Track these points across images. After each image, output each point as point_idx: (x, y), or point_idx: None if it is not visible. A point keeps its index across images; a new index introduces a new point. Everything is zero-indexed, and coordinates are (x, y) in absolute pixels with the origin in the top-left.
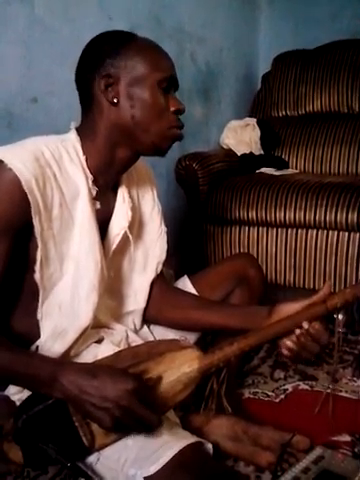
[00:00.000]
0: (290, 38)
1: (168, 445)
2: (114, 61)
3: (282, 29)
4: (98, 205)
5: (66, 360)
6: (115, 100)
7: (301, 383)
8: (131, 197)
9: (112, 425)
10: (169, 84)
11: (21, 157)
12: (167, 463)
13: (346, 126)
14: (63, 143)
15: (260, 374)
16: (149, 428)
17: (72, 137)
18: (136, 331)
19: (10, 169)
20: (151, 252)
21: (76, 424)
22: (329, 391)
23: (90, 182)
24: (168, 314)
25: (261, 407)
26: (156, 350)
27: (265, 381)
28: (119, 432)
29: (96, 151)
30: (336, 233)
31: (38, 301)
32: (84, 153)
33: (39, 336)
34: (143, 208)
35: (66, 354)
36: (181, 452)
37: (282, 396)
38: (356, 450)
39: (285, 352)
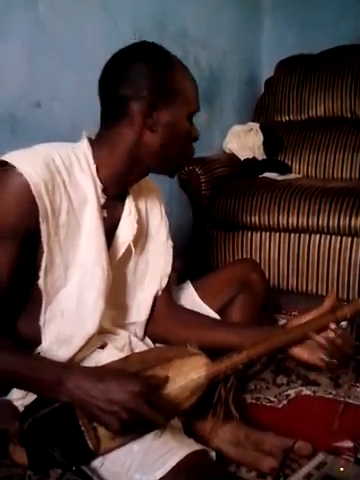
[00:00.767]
0: (293, 43)
1: (173, 451)
2: (160, 87)
3: (285, 34)
4: (105, 213)
5: (72, 364)
6: (153, 128)
7: (304, 389)
8: (139, 209)
9: (119, 428)
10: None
11: (32, 162)
12: (171, 469)
13: (349, 131)
14: (74, 151)
15: (263, 379)
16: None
17: (83, 145)
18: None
19: (20, 174)
20: (155, 265)
21: (82, 428)
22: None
23: (100, 190)
24: (175, 334)
25: (264, 413)
26: (164, 356)
27: (268, 386)
28: (126, 435)
29: (111, 162)
30: (339, 238)
31: (41, 307)
32: (95, 162)
33: (42, 342)
34: (150, 221)
35: (70, 360)
36: (186, 458)
37: (284, 402)
38: (359, 456)
39: (307, 356)
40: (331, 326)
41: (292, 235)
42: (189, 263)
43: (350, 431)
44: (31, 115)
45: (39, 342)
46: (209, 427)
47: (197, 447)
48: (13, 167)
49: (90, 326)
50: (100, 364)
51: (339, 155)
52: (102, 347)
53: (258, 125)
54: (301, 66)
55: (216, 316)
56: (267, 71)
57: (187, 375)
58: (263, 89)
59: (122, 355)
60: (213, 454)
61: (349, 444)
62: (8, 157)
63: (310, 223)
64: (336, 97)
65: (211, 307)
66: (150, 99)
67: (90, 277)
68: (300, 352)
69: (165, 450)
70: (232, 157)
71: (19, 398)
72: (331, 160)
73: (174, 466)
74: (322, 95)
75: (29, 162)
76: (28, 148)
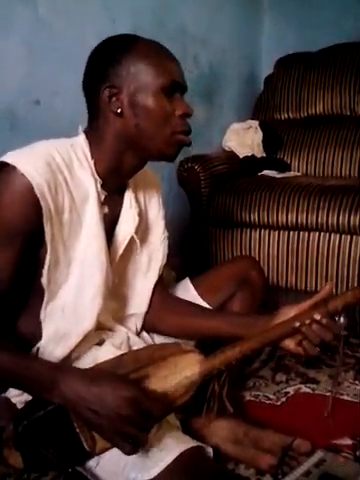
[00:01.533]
0: (293, 41)
1: (168, 448)
2: (116, 70)
3: (285, 32)
4: (106, 209)
5: (67, 365)
6: (119, 110)
7: (302, 386)
8: (138, 201)
9: (110, 433)
10: (174, 88)
11: (33, 163)
12: (167, 466)
13: (348, 129)
14: (72, 147)
15: (261, 377)
16: (146, 438)
17: (81, 141)
18: (137, 333)
19: (23, 175)
20: (154, 256)
21: (77, 430)
22: (330, 394)
23: (99, 186)
24: (166, 321)
25: (262, 410)
26: (158, 354)
27: (266, 384)
28: (116, 444)
29: (103, 157)
30: (338, 236)
31: (42, 303)
32: (92, 157)
33: (41, 338)
34: (149, 212)
35: (67, 356)
36: (181, 456)
37: (283, 399)
38: (357, 453)
39: (293, 346)
40: (315, 317)
41: (291, 233)
42: (188, 260)
43: (349, 429)
44: (31, 112)
45: (37, 339)
46: (204, 423)
47: (193, 444)
48: (15, 168)
49: (88, 322)
50: (97, 361)
51: (338, 153)
52: (99, 344)
53: (257, 123)
54: (300, 64)
55: None
56: (266, 69)
57: (181, 373)
58: (262, 87)
59: (119, 352)
60: (210, 450)
61: (348, 441)
62: (9, 158)
63: (309, 221)
64: (335, 95)
65: (210, 304)
66: (109, 84)
67: (89, 274)
68: (288, 343)
69: (161, 447)
70: (231, 155)
71: (17, 395)
72: (330, 158)
73: (170, 463)
74: (321, 93)
75: (30, 162)
76: (27, 147)
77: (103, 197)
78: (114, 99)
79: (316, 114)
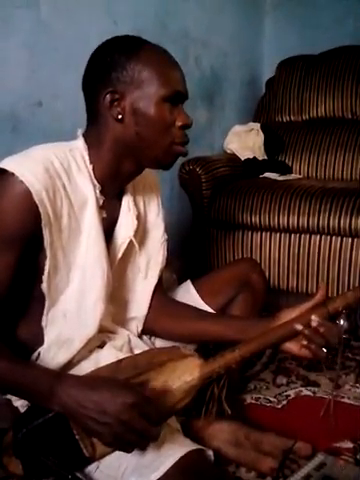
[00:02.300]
0: (294, 43)
1: (169, 452)
2: (120, 75)
3: (287, 34)
4: (104, 214)
5: (65, 372)
6: (120, 116)
7: (303, 389)
8: (137, 204)
9: (111, 440)
10: (176, 98)
11: (32, 169)
12: (168, 471)
13: (350, 132)
14: (71, 152)
15: (262, 380)
16: (148, 442)
17: (80, 145)
18: (139, 336)
19: (21, 182)
20: (154, 259)
21: (77, 437)
22: (331, 397)
23: (97, 191)
24: (164, 324)
25: (263, 413)
26: (157, 359)
27: (267, 387)
28: (118, 448)
29: (102, 161)
30: (339, 239)
31: (43, 309)
32: (91, 162)
33: (42, 344)
34: (148, 215)
35: (69, 361)
36: (182, 459)
37: (284, 402)
38: (358, 457)
39: (296, 349)
40: (313, 318)
41: (292, 235)
42: (189, 263)
43: (350, 432)
44: (32, 114)
45: (38, 344)
46: (204, 426)
47: (193, 447)
48: (13, 174)
49: (90, 327)
50: (99, 364)
51: (340, 155)
52: (101, 346)
53: (259, 125)
54: (302, 66)
55: None
56: (268, 71)
57: (181, 377)
58: (264, 89)
59: (121, 355)
60: (210, 453)
61: (349, 445)
62: (6, 164)
63: (310, 223)
64: (337, 97)
65: (211, 307)
66: (112, 89)
67: (90, 279)
68: (291, 346)
69: (161, 451)
70: (233, 157)
71: (18, 398)
72: (332, 160)
73: (170, 467)
74: (323, 95)
75: (29, 168)
76: (24, 152)
77: (101, 201)
78: (116, 105)
79: (318, 117)
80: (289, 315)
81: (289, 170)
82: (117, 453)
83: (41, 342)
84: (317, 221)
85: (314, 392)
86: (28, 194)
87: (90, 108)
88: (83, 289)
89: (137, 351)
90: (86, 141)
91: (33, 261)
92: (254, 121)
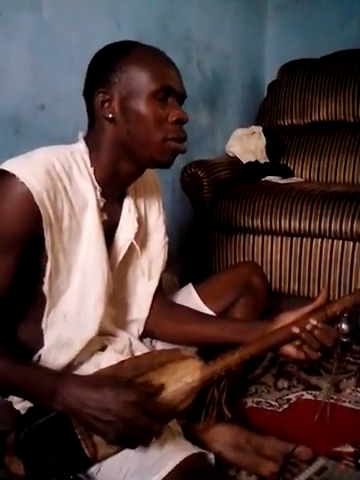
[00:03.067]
0: (297, 47)
1: (170, 456)
2: (109, 76)
3: (289, 38)
4: (105, 216)
5: (67, 372)
6: (111, 116)
7: (304, 393)
8: (137, 207)
9: (115, 438)
10: (167, 93)
11: (33, 171)
12: (169, 474)
13: (352, 135)
14: (72, 155)
15: (263, 383)
16: (152, 439)
17: (81, 148)
18: (139, 339)
19: (22, 183)
20: (155, 261)
21: (78, 437)
22: (328, 400)
23: (98, 194)
24: (165, 327)
25: (264, 417)
26: (158, 361)
27: (268, 390)
28: (122, 445)
29: (101, 164)
30: (341, 242)
31: (44, 310)
32: (92, 165)
33: (42, 346)
34: (149, 218)
35: (70, 363)
36: (183, 462)
37: (285, 406)
38: (359, 461)
39: (294, 352)
40: (311, 321)
41: (294, 239)
42: (191, 266)
43: (351, 436)
44: (35, 117)
45: (38, 346)
46: (206, 429)
47: (194, 450)
48: (14, 176)
49: (90, 330)
50: (100, 367)
51: (341, 159)
52: (102, 349)
53: (261, 128)
54: (304, 70)
55: None
56: (270, 75)
57: (181, 379)
58: (266, 93)
59: (122, 358)
60: (211, 457)
61: (349, 449)
62: (8, 166)
63: (312, 227)
64: (339, 101)
65: (213, 310)
66: (102, 90)
67: (90, 281)
68: (289, 349)
69: (161, 455)
70: (235, 160)
71: (20, 401)
72: (333, 164)
73: (171, 471)
74: (325, 99)
75: (30, 170)
76: (26, 154)
77: (102, 204)
78: (106, 105)
79: (320, 120)
80: (287, 318)
81: (291, 173)
82: (118, 455)
83: (41, 344)
84: (319, 225)
85: (315, 396)
86: (29, 196)
87: (89, 111)
88: (83, 291)
89: (138, 354)
90: (87, 144)
91: (34, 263)
92: (256, 124)
